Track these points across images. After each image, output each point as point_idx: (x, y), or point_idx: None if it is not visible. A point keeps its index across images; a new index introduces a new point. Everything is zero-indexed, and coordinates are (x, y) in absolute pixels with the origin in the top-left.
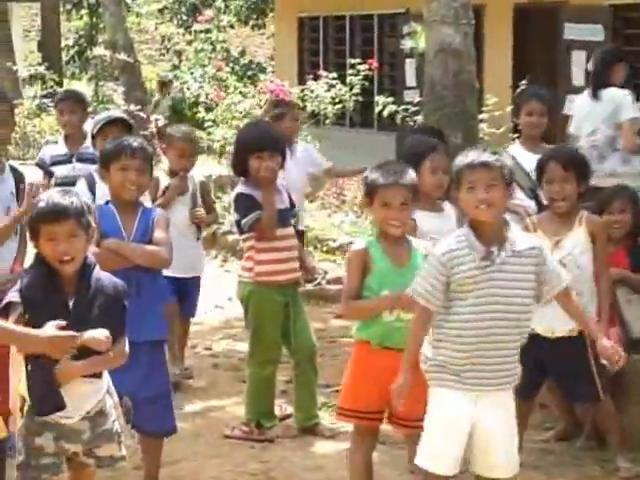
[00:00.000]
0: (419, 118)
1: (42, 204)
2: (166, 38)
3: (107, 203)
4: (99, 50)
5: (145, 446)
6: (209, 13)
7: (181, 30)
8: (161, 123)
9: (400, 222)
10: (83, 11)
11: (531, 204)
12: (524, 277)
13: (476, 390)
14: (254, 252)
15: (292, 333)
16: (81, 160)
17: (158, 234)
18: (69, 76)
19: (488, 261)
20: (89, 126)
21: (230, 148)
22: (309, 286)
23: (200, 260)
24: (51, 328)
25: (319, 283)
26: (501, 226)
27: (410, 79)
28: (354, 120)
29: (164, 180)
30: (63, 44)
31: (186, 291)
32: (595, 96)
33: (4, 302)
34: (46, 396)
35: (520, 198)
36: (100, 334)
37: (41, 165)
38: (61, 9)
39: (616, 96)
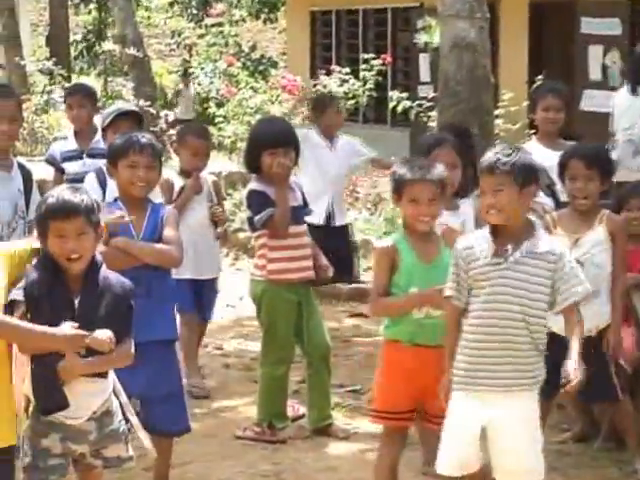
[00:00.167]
0: (433, 114)
1: (51, 200)
2: (176, 33)
3: (115, 200)
4: (108, 45)
5: (155, 446)
6: (220, 6)
7: (191, 24)
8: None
9: (428, 218)
10: (92, 5)
11: (549, 201)
12: (537, 279)
13: (484, 390)
14: (267, 250)
15: (305, 332)
16: (92, 156)
17: (168, 232)
18: (77, 71)
19: (501, 259)
20: (99, 120)
21: (241, 144)
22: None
23: (218, 261)
24: (68, 326)
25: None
26: (522, 226)
27: (424, 74)
28: (367, 116)
29: (176, 181)
30: (71, 39)
31: (202, 293)
32: (634, 91)
33: (8, 300)
34: (49, 394)
35: (538, 195)
36: (103, 335)
37: (51, 162)
38: (69, 3)
39: None
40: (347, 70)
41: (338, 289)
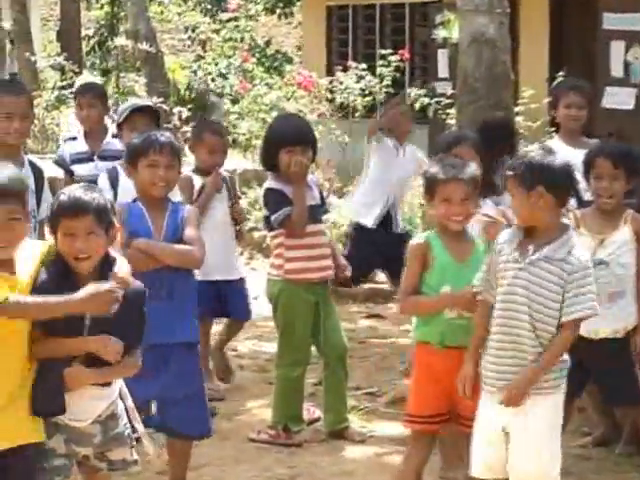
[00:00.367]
0: (452, 111)
1: (63, 197)
2: (190, 28)
3: (134, 201)
4: (120, 40)
5: (172, 449)
6: (236, 1)
7: (206, 19)
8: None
9: (461, 217)
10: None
11: (571, 200)
12: (547, 285)
13: (496, 391)
14: (284, 249)
15: (322, 333)
16: (103, 158)
17: (189, 232)
18: (89, 67)
19: (519, 259)
20: (110, 121)
21: (256, 142)
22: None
23: (238, 260)
24: (90, 287)
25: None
26: (551, 229)
27: (443, 70)
28: None
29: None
30: (83, 34)
31: (227, 294)
32: None
33: None
34: (49, 398)
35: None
36: (115, 343)
37: (61, 164)
38: None
39: None
40: (364, 66)
41: (355, 289)
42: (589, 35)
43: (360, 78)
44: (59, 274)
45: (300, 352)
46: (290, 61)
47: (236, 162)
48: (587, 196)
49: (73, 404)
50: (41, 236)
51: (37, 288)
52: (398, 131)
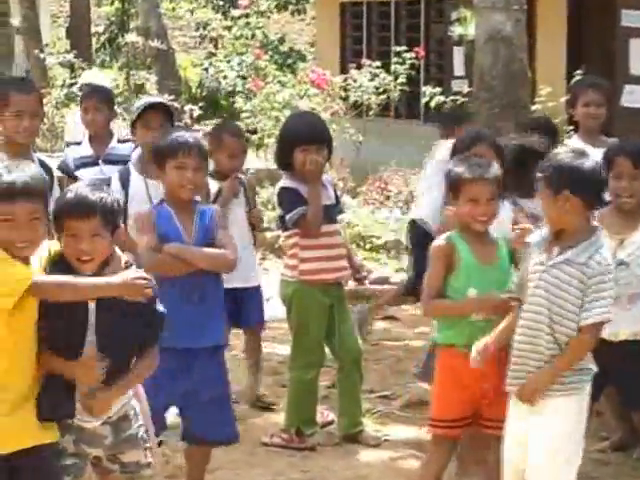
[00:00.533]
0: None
1: (70, 196)
2: (202, 25)
3: (161, 202)
4: (131, 37)
5: (191, 452)
6: None
7: (218, 16)
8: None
9: (486, 217)
10: None
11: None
12: (567, 287)
13: (516, 390)
14: (298, 249)
15: (337, 335)
16: (108, 162)
17: (222, 234)
18: (99, 64)
19: (544, 261)
20: (116, 125)
21: (268, 140)
22: (352, 284)
23: (256, 267)
24: (129, 272)
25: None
26: (579, 232)
27: (458, 68)
28: (399, 111)
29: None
30: (93, 30)
31: (243, 301)
32: None
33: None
34: (60, 402)
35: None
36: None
37: (63, 169)
38: None
39: None
40: (378, 64)
41: (369, 290)
42: (608, 32)
43: (374, 76)
44: (61, 273)
45: (314, 354)
46: (303, 58)
47: (248, 161)
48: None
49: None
50: (51, 236)
51: None
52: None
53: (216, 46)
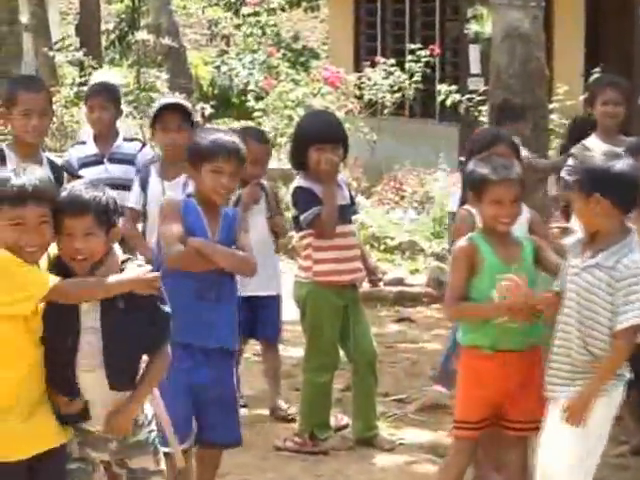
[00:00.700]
0: (484, 108)
1: (64, 195)
2: (213, 22)
3: (189, 196)
4: (141, 34)
5: (202, 457)
6: None
7: (229, 14)
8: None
9: (510, 219)
10: None
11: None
12: (596, 291)
13: (550, 394)
14: (312, 250)
15: (352, 338)
16: (113, 161)
17: (244, 239)
18: (109, 62)
19: (577, 263)
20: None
21: (281, 139)
22: (366, 286)
23: (278, 276)
24: (139, 269)
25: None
26: (612, 235)
27: (474, 66)
28: (414, 110)
29: None
30: (103, 28)
31: (260, 310)
32: None
33: None
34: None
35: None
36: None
37: (66, 168)
38: None
39: None
40: (393, 62)
41: (384, 292)
42: (626, 29)
43: (389, 74)
44: (59, 274)
45: (328, 357)
46: (317, 56)
47: None
48: None
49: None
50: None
51: None
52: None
53: (228, 44)
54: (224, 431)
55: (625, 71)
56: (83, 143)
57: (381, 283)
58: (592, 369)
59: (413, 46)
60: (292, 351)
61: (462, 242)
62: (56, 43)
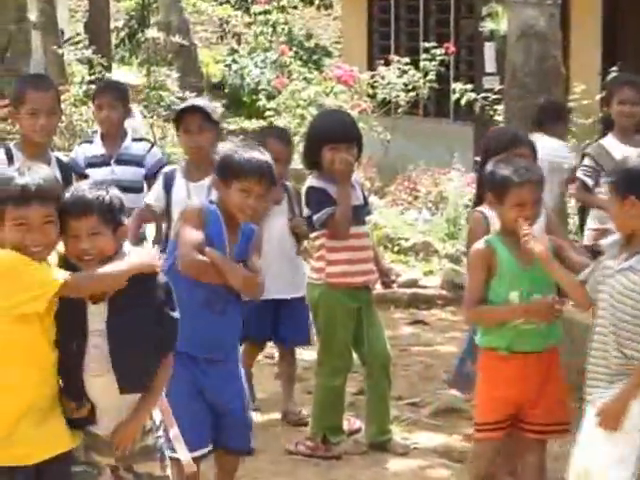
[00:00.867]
0: (499, 107)
1: (68, 195)
2: (224, 20)
3: (212, 203)
4: (151, 32)
5: (222, 463)
6: None
7: (239, 12)
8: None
9: (530, 220)
10: None
11: None
12: (630, 294)
13: (587, 397)
14: (325, 251)
15: (366, 340)
16: (120, 162)
17: (257, 260)
18: (118, 60)
19: (612, 265)
20: (130, 124)
21: (294, 139)
22: (379, 288)
23: (302, 277)
24: (141, 253)
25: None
26: None
27: (490, 64)
28: (428, 109)
29: None
30: (112, 26)
31: (281, 316)
32: None
33: None
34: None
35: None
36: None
37: (73, 167)
38: None
39: None
40: (407, 60)
41: (397, 294)
42: None
43: (403, 73)
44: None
45: (341, 360)
46: (329, 55)
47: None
48: None
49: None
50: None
51: None
52: (561, 132)
53: (239, 42)
54: (238, 437)
55: None
56: (90, 142)
57: (395, 285)
58: (628, 371)
59: (427, 44)
60: (304, 354)
61: (479, 245)
62: (67, 40)
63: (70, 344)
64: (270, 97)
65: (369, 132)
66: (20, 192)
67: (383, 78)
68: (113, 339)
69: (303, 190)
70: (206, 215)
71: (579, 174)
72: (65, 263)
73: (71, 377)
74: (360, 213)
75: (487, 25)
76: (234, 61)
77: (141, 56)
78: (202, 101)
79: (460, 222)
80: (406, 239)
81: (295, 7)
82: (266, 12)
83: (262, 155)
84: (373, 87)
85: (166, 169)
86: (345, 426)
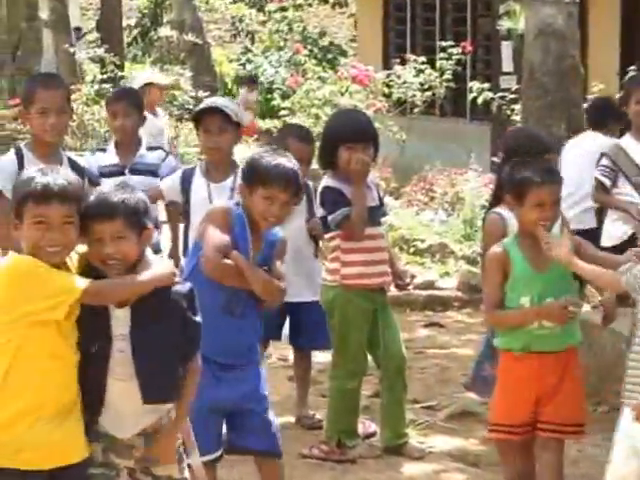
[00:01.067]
0: (517, 107)
1: (92, 198)
2: (237, 18)
3: (238, 205)
4: (164, 31)
5: (262, 474)
6: None
7: (253, 10)
8: None
9: (549, 222)
10: None
11: None
12: None
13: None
14: (340, 253)
15: (382, 343)
16: (135, 171)
17: (280, 267)
18: (131, 59)
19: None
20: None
21: None
22: (395, 290)
23: (318, 280)
24: (160, 266)
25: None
26: None
27: (507, 64)
28: (445, 109)
29: None
30: (125, 24)
31: (299, 318)
32: None
33: None
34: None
35: (630, 194)
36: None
37: (89, 176)
38: None
39: None
40: (423, 59)
41: (413, 296)
42: None
43: (419, 72)
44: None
45: (356, 362)
46: (344, 53)
47: None
48: None
49: (116, 415)
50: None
51: None
52: (610, 131)
53: (252, 40)
54: (257, 439)
55: None
56: (103, 150)
57: (410, 287)
58: None
59: (444, 43)
60: (319, 356)
61: (495, 248)
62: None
63: (94, 347)
64: (284, 96)
65: (385, 132)
66: (41, 190)
67: (399, 77)
68: (136, 345)
69: (318, 190)
70: (232, 218)
71: (596, 174)
72: (87, 266)
73: (93, 381)
74: (376, 214)
75: (504, 24)
76: (248, 60)
77: (154, 55)
78: (223, 101)
79: (477, 223)
80: (422, 240)
81: (310, 5)
82: (282, 9)
83: (289, 162)
84: (389, 86)
85: (185, 167)
86: (360, 429)
